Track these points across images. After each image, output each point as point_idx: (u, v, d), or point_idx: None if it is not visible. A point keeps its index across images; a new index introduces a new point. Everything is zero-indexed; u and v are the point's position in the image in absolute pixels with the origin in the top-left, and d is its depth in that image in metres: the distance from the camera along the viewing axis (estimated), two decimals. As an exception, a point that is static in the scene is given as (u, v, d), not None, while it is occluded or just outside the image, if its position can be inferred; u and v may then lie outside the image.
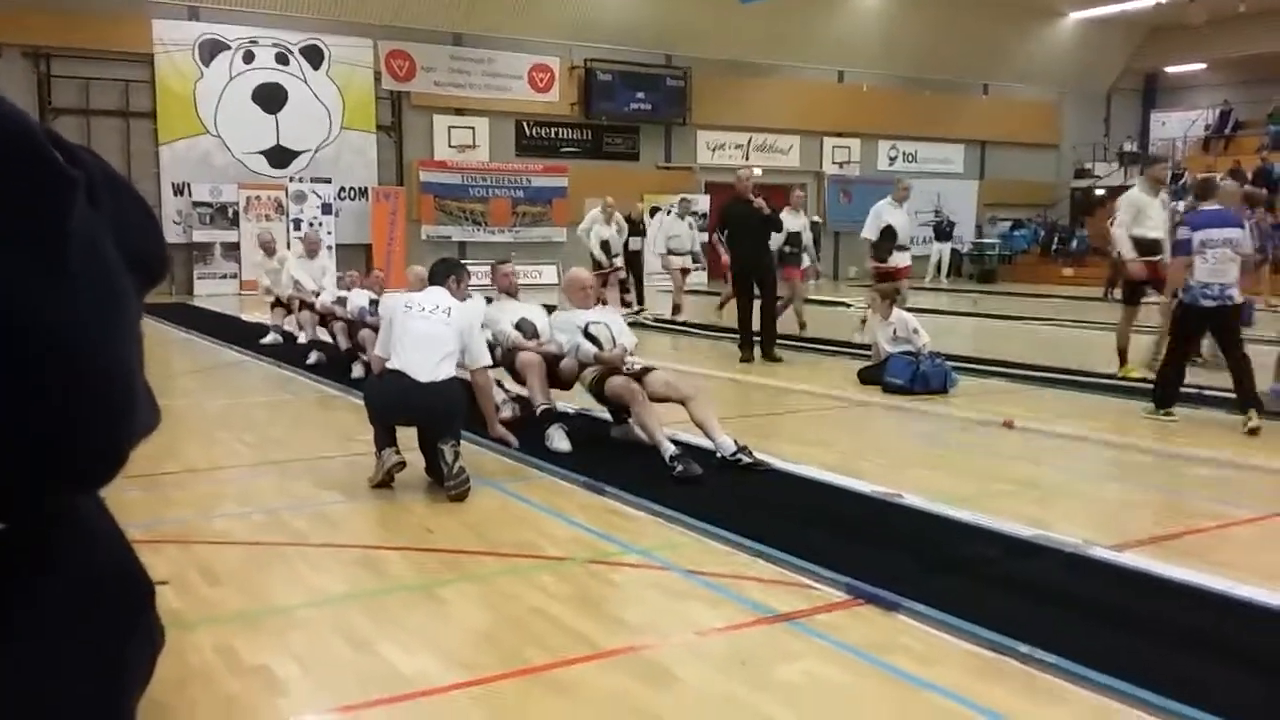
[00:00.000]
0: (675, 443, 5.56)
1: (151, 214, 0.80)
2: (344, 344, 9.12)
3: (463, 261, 8.89)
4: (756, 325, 10.12)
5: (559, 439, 5.97)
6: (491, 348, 7.01)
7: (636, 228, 15.56)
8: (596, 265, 14.05)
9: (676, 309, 14.09)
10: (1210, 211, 7.24)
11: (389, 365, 5.22)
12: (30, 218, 0.64)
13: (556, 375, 6.35)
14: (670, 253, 14.40)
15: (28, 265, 0.63)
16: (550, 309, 7.11)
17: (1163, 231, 8.70)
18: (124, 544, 0.83)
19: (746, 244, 10.13)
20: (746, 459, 5.54)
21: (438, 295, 5.46)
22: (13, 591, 0.72)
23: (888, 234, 11.20)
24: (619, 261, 14.65)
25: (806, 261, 12.89)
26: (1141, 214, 8.76)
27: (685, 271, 14.42)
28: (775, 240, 11.24)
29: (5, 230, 0.63)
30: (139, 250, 0.74)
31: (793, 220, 12.36)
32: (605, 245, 14.43)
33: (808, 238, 12.76)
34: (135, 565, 0.84)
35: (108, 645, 0.79)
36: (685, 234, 14.68)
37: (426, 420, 5.18)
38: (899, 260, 11.29)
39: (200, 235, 18.85)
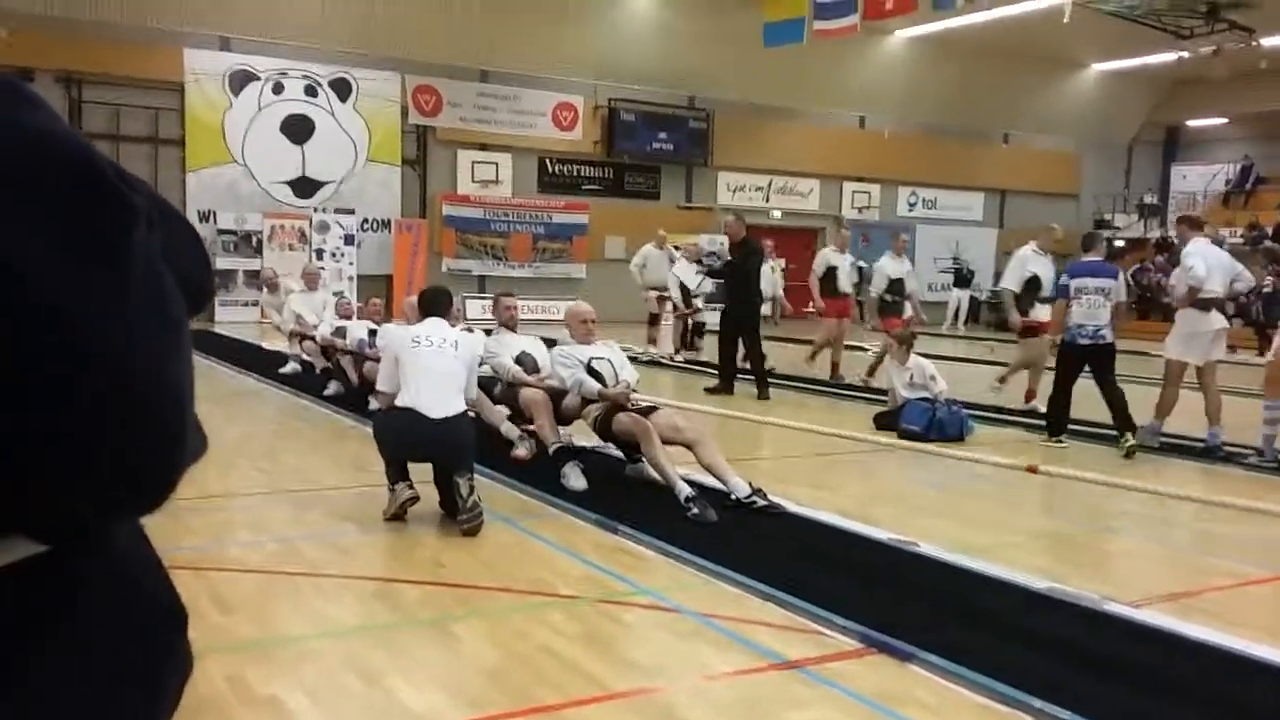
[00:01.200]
0: (691, 484, 5.55)
1: (200, 241, 0.83)
2: (354, 377, 9.12)
3: (484, 295, 9.02)
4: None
5: (575, 477, 5.96)
6: (492, 383, 7.06)
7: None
8: (677, 304, 13.58)
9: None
10: (1088, 262, 8.33)
11: (399, 402, 5.19)
12: (94, 245, 0.67)
13: (558, 412, 6.36)
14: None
15: (91, 292, 0.65)
16: (550, 343, 7.11)
17: None
18: (161, 571, 0.85)
19: (735, 289, 10.64)
20: (761, 501, 5.52)
21: (442, 328, 5.42)
22: (54, 614, 0.73)
23: (1032, 284, 9.76)
24: (697, 303, 13.86)
25: (909, 311, 11.46)
26: None
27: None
28: (875, 287, 11.46)
29: (70, 257, 0.65)
30: (187, 276, 0.76)
31: (895, 266, 11.44)
32: (684, 289, 13.44)
33: (912, 284, 11.57)
34: (172, 592, 0.85)
35: (144, 670, 0.81)
36: (769, 280, 13.81)
37: (441, 457, 5.18)
38: (1041, 314, 9.70)
39: (224, 263, 19.01)
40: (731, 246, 10.79)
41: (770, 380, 10.65)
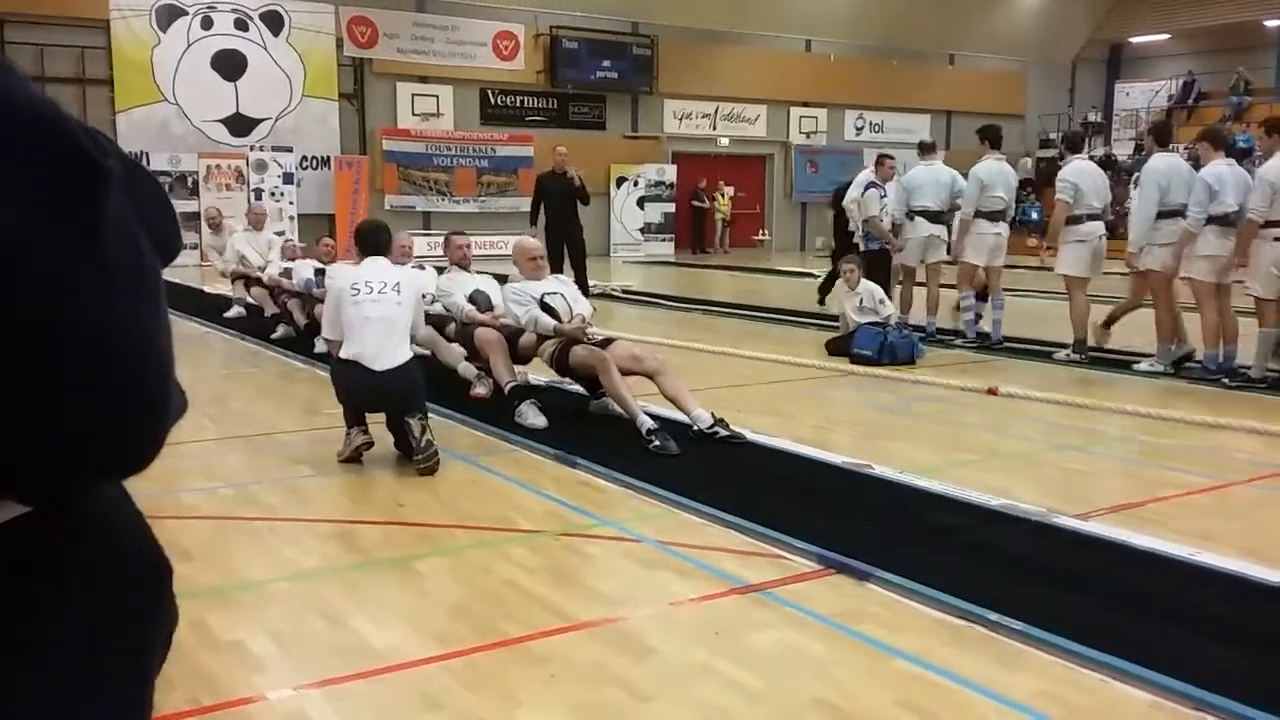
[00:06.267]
0: (652, 416, 5.56)
1: (166, 196, 0.83)
2: (302, 320, 8.98)
3: (429, 231, 8.91)
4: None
5: (533, 415, 5.91)
6: (445, 322, 7.00)
7: None
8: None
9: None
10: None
11: (344, 353, 5.08)
12: (68, 210, 0.65)
13: (515, 350, 6.31)
14: None
15: (68, 258, 0.65)
16: (503, 280, 7.00)
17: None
18: (144, 525, 0.86)
19: (558, 213, 11.56)
20: (723, 431, 5.54)
21: (383, 270, 5.20)
22: (42, 572, 0.74)
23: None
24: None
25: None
26: None
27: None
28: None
29: (44, 224, 0.64)
30: (157, 233, 0.76)
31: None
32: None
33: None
34: (155, 545, 0.86)
35: (134, 626, 0.82)
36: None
37: (391, 406, 5.14)
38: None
39: (160, 205, 18.55)
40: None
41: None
